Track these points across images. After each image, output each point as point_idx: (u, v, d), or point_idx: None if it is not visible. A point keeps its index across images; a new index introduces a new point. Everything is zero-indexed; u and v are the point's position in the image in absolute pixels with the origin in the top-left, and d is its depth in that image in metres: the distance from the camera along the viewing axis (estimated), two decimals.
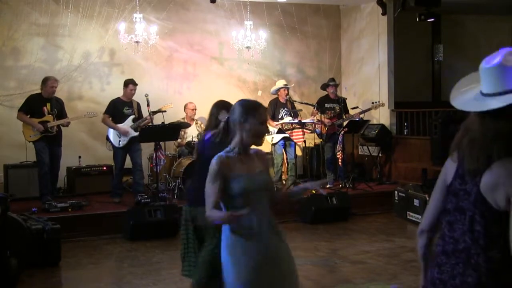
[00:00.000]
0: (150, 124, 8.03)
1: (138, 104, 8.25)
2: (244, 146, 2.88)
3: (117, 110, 8.14)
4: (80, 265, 6.09)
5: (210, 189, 2.78)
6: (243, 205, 2.73)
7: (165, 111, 8.41)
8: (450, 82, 12.29)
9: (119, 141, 8.07)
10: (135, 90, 8.19)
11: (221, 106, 4.15)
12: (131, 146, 8.09)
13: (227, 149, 2.86)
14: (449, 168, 2.08)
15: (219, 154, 2.84)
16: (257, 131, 2.88)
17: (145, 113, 8.19)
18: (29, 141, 7.82)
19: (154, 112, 8.21)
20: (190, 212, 4.07)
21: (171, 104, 8.65)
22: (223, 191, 2.78)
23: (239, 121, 2.84)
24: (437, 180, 2.14)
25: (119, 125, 8.06)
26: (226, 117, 2.91)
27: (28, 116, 7.77)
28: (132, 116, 8.14)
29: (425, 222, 2.20)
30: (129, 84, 8.18)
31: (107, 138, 8.24)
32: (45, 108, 7.80)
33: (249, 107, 2.90)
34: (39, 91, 7.96)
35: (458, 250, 1.99)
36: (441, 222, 2.10)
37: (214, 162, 2.80)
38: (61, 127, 7.97)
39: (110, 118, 8.13)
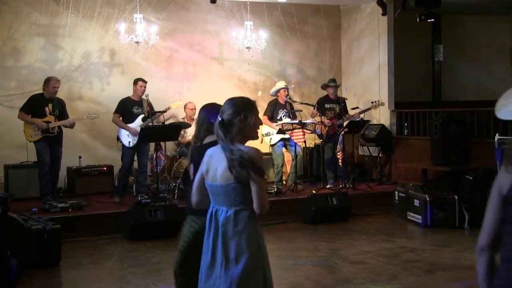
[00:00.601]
0: (151, 124, 8.05)
1: (151, 104, 8.25)
2: (245, 142, 2.93)
3: (126, 109, 8.16)
4: (80, 265, 6.09)
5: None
6: None
7: (165, 111, 8.41)
8: (450, 82, 12.33)
9: (129, 141, 8.07)
10: (144, 86, 8.22)
11: (214, 110, 4.06)
12: (140, 147, 8.10)
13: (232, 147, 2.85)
14: (504, 179, 2.00)
15: (254, 147, 2.85)
16: (258, 124, 2.97)
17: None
18: (30, 141, 7.82)
19: (163, 111, 8.25)
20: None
21: (180, 101, 8.70)
22: None
23: (239, 118, 2.87)
24: (490, 195, 2.05)
25: (129, 125, 8.08)
26: (219, 119, 2.89)
27: (30, 116, 7.77)
28: (142, 116, 8.15)
29: (485, 238, 2.05)
30: (139, 81, 8.23)
31: (118, 138, 8.25)
32: (46, 108, 7.80)
33: (246, 103, 2.96)
34: (40, 91, 7.97)
35: None
36: (502, 234, 2.01)
37: (260, 155, 2.84)
38: (62, 127, 7.97)
39: (121, 118, 8.15)
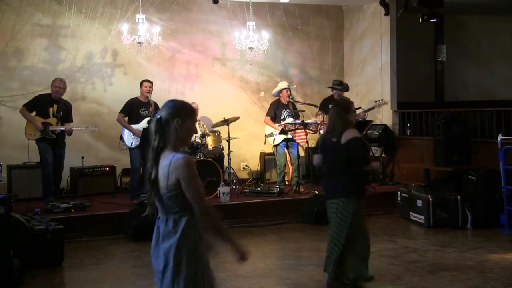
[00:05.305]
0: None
1: (156, 105, 8.23)
2: (178, 147, 2.92)
3: (133, 110, 8.17)
4: (83, 266, 6.09)
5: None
6: None
7: None
8: (453, 82, 12.31)
9: (132, 142, 8.06)
10: (150, 87, 8.23)
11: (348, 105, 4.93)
12: (145, 147, 8.07)
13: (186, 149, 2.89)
14: None
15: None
16: (194, 131, 2.94)
17: None
18: (29, 139, 7.82)
19: None
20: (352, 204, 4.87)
21: (193, 103, 8.70)
22: None
23: (177, 120, 2.85)
24: None
25: (134, 126, 8.07)
26: (158, 117, 2.87)
27: (34, 113, 7.76)
28: (148, 118, 8.13)
29: None
30: (144, 82, 8.28)
31: (121, 138, 8.24)
32: (51, 109, 7.80)
33: (186, 107, 2.91)
34: (42, 92, 7.99)
35: None
36: None
37: (193, 161, 2.79)
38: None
39: (126, 118, 8.14)
